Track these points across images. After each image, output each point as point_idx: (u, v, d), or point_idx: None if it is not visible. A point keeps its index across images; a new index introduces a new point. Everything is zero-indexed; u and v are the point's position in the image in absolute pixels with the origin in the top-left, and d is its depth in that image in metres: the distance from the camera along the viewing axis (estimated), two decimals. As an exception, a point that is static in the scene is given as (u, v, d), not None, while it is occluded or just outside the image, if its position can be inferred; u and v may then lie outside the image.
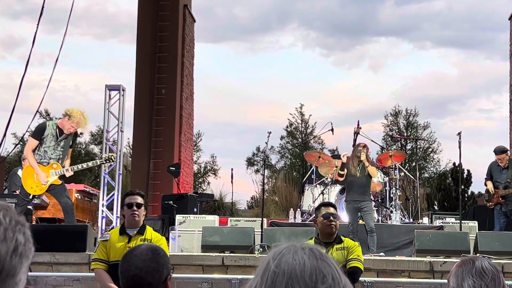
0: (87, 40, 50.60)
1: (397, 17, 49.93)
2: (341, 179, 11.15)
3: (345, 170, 10.94)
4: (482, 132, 46.51)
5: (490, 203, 11.77)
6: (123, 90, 12.22)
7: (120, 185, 11.88)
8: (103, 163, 10.62)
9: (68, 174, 9.71)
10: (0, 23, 52.56)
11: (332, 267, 1.32)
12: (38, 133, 9.60)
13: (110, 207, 11.79)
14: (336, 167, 12.68)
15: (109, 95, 12.12)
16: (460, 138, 11.27)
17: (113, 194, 11.79)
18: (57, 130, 9.57)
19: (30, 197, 9.73)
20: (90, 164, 10.64)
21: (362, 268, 6.51)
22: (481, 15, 49.47)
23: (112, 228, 9.48)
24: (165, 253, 3.23)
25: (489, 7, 47.48)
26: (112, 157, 10.25)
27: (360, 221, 10.88)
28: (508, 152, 11.88)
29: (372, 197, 11.88)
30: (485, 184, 11.99)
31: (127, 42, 48.76)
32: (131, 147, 21.14)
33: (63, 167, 9.63)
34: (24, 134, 22.84)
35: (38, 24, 14.46)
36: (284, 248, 1.36)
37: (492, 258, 8.57)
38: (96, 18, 50.80)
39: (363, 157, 10.69)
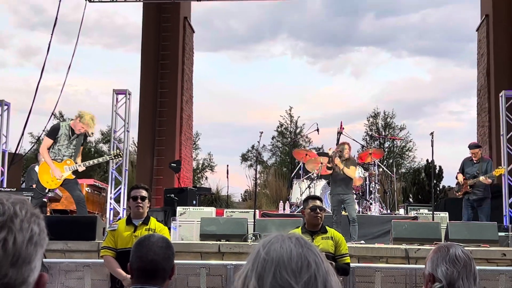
0: (97, 49, 50.61)
1: (377, 29, 50.06)
2: (329, 172, 11.11)
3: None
4: (452, 132, 46.73)
5: (459, 193, 11.77)
6: (129, 94, 12.19)
7: (127, 180, 11.86)
8: (112, 159, 10.62)
9: (81, 169, 9.71)
10: (19, 34, 52.48)
11: (316, 255, 1.32)
12: (53, 133, 9.60)
13: (117, 200, 11.77)
14: (321, 163, 12.69)
15: (117, 99, 12.09)
16: (432, 138, 11.28)
17: (120, 188, 11.76)
18: (70, 130, 9.56)
19: (46, 191, 9.73)
20: (100, 160, 10.63)
21: (349, 260, 6.57)
22: (452, 27, 49.68)
23: (119, 219, 9.46)
24: (172, 244, 3.26)
25: (459, 20, 47.71)
26: (120, 153, 10.27)
27: (343, 212, 10.87)
28: (480, 147, 11.91)
29: (353, 190, 11.89)
30: (456, 177, 12.01)
31: (133, 51, 48.83)
32: (136, 145, 21.07)
33: (76, 163, 9.62)
34: (40, 134, 22.78)
35: (52, 35, 14.44)
36: (273, 237, 1.36)
37: (461, 245, 8.58)
38: (106, 29, 50.78)
39: (346, 156, 10.70)
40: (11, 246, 1.18)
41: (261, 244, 1.35)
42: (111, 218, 11.27)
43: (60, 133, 9.54)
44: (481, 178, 11.31)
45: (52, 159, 9.47)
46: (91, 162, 10.13)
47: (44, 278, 1.27)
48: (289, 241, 1.33)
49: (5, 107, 12.49)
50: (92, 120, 9.52)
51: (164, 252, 3.11)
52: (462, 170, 11.85)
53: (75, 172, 9.74)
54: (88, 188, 12.44)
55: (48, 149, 9.50)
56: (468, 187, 11.51)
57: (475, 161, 11.68)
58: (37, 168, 11.00)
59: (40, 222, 1.27)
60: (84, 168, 9.85)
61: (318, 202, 6.50)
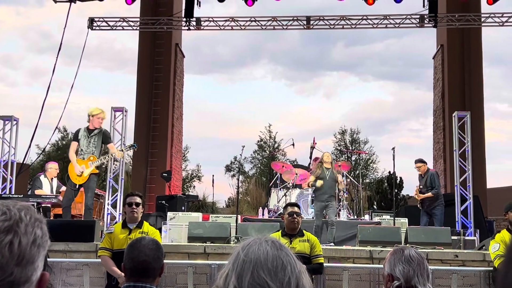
0: (98, 71, 50.46)
1: (346, 56, 50.48)
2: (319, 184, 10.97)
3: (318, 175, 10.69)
4: (411, 147, 47.03)
5: (418, 204, 11.80)
6: (126, 111, 12.14)
7: (122, 188, 11.79)
8: (128, 150, 10.68)
9: (100, 162, 9.88)
10: (29, 57, 52.12)
11: (289, 256, 1.33)
12: (74, 136, 9.94)
13: (114, 206, 11.69)
14: (296, 174, 12.70)
15: (114, 115, 12.03)
16: (394, 152, 11.35)
17: (117, 195, 11.69)
18: (87, 131, 9.80)
19: (76, 186, 9.78)
20: (116, 153, 10.25)
21: (323, 260, 6.58)
22: (412, 54, 50.23)
23: (116, 222, 9.39)
24: (162, 246, 3.25)
25: (417, 49, 48.21)
26: (134, 144, 10.45)
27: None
28: (424, 163, 11.80)
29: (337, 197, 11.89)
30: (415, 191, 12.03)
31: (130, 73, 48.63)
32: (131, 157, 20.95)
33: (98, 159, 9.82)
34: (45, 146, 22.54)
35: (57, 58, 14.37)
36: (252, 240, 1.36)
37: (418, 247, 8.64)
38: (106, 53, 50.63)
39: (328, 165, 10.51)
40: (17, 248, 1.18)
41: (241, 246, 1.35)
42: (108, 222, 11.18)
43: (80, 136, 9.79)
44: (424, 195, 11.37)
45: (77, 159, 9.71)
46: (107, 156, 10.13)
47: (45, 277, 1.27)
48: (266, 244, 1.33)
49: (14, 122, 12.41)
50: (97, 108, 9.87)
51: (154, 253, 3.09)
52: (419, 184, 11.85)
53: (99, 167, 10.09)
54: (88, 195, 12.32)
55: (76, 152, 9.78)
56: (419, 201, 11.56)
57: (422, 175, 11.68)
58: (42, 178, 10.97)
59: (43, 226, 1.27)
60: (105, 161, 10.21)
61: (295, 209, 6.52)
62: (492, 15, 15.55)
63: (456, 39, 17.61)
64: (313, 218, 11.52)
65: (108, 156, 10.19)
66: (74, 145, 9.81)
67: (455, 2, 16.26)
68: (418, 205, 11.76)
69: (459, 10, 16.20)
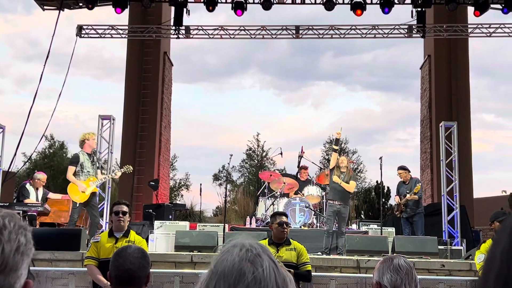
0: (86, 79, 50.40)
1: (334, 66, 50.78)
2: (330, 167, 10.71)
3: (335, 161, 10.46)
4: (399, 156, 47.31)
5: (397, 212, 11.74)
6: (113, 120, 12.09)
7: (109, 196, 11.72)
8: (125, 172, 10.86)
9: (103, 181, 10.54)
10: (16, 65, 51.89)
11: (259, 269, 1.17)
12: (75, 161, 10.08)
13: (100, 214, 11.59)
14: (284, 183, 12.67)
15: (102, 123, 11.99)
16: (381, 162, 11.38)
17: (103, 204, 11.61)
18: (87, 155, 10.08)
19: (77, 205, 9.98)
20: (113, 175, 10.93)
21: (311, 268, 6.55)
22: (399, 65, 50.61)
23: (102, 231, 9.32)
24: (148, 254, 3.22)
25: (405, 59, 48.60)
26: (129, 169, 10.66)
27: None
28: (405, 170, 11.77)
29: (312, 208, 11.88)
30: (394, 199, 12.00)
31: (118, 81, 48.30)
32: (119, 165, 20.85)
33: (97, 178, 10.24)
34: (32, 154, 22.38)
35: (44, 66, 14.28)
36: (230, 246, 1.23)
37: (405, 257, 8.63)
38: (94, 62, 50.57)
39: (344, 169, 10.35)
40: (0, 255, 1.17)
41: (217, 256, 1.24)
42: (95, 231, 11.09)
43: (81, 161, 10.02)
44: (407, 196, 11.33)
45: (81, 180, 9.98)
46: (108, 176, 10.74)
47: (29, 285, 1.25)
48: (237, 253, 1.20)
49: (0, 130, 12.29)
50: (91, 133, 10.33)
51: (140, 261, 3.06)
52: (398, 192, 11.82)
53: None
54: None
55: (74, 174, 9.99)
56: (402, 206, 11.51)
57: (405, 183, 11.66)
58: (28, 186, 10.89)
59: (27, 234, 1.25)
60: (105, 180, 10.91)
61: (284, 218, 6.51)
62: (479, 26, 15.71)
63: (443, 49, 17.77)
64: (300, 227, 11.52)
65: (108, 177, 10.69)
66: (72, 169, 10.01)
67: (442, 12, 16.41)
68: (397, 213, 11.69)
69: (447, 21, 16.36)
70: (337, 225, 10.44)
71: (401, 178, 11.70)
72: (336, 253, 9.96)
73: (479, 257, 6.55)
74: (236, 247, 1.24)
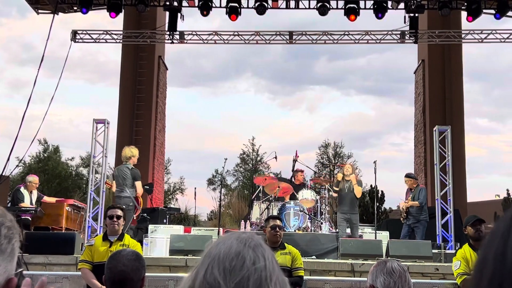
0: (80, 83, 50.34)
1: (329, 70, 50.91)
2: (335, 195, 11.31)
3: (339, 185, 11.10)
4: (393, 161, 47.45)
5: (402, 217, 11.75)
6: (107, 123, 12.08)
7: (104, 200, 11.69)
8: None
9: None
10: (10, 69, 51.77)
11: (259, 257, 1.08)
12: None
13: (95, 218, 11.58)
14: (279, 187, 12.67)
15: (96, 127, 11.97)
16: (375, 166, 11.40)
17: (98, 208, 11.59)
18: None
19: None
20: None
21: (303, 273, 6.59)
22: (393, 70, 50.81)
23: (97, 235, 9.30)
24: (143, 257, 3.21)
25: (399, 64, 48.81)
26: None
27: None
28: (411, 178, 11.81)
29: (307, 212, 11.89)
30: (400, 204, 12.09)
31: (113, 85, 48.46)
32: (113, 169, 20.81)
33: None
34: (23, 157, 22.31)
35: (38, 70, 14.25)
36: (229, 234, 1.16)
37: (400, 260, 8.64)
38: (89, 65, 50.52)
39: (350, 176, 10.77)
40: None
41: (213, 242, 1.17)
42: (89, 235, 11.07)
43: None
44: (407, 201, 11.35)
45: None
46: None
47: (12, 283, 1.20)
48: (236, 240, 1.12)
49: (-6, 134, 12.27)
50: (131, 148, 11.04)
51: (133, 264, 3.05)
52: (406, 198, 11.85)
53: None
54: (69, 207, 12.19)
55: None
56: (404, 212, 11.53)
57: (411, 189, 11.68)
58: (22, 189, 10.86)
59: (1, 229, 1.19)
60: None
61: (278, 222, 6.53)
62: (472, 31, 15.80)
63: (437, 54, 17.84)
64: (295, 231, 11.52)
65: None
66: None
67: (435, 18, 16.48)
68: (402, 219, 11.73)
69: (440, 26, 16.43)
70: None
71: (407, 185, 11.73)
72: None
73: (455, 264, 6.21)
74: (234, 234, 1.14)
